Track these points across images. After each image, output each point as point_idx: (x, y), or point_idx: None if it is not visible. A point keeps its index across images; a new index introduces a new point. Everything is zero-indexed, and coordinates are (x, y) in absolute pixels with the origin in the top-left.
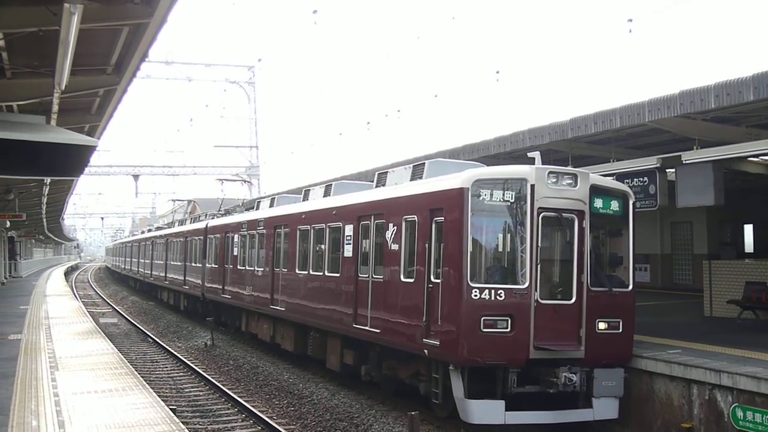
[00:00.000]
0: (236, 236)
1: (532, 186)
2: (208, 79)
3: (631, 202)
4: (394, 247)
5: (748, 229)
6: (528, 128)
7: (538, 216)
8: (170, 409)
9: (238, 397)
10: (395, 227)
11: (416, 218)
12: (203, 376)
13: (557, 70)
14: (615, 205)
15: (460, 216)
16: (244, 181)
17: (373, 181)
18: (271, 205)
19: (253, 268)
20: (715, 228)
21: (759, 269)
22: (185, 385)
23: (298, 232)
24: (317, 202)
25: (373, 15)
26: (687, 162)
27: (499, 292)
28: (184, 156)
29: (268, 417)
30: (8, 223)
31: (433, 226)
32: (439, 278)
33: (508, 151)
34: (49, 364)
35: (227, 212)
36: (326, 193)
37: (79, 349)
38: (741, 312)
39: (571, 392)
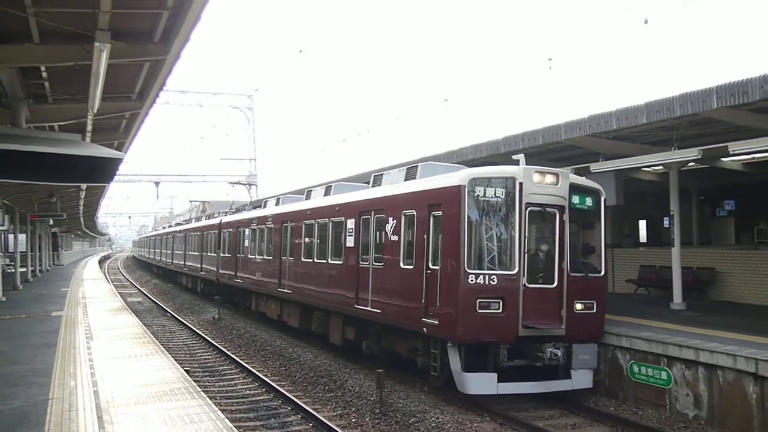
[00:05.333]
0: (247, 230)
1: (521, 184)
2: (215, 104)
3: (602, 199)
4: (394, 238)
5: (642, 224)
6: (471, 144)
7: (526, 210)
8: (185, 370)
9: (240, 359)
10: (395, 221)
11: (415, 213)
12: (212, 343)
13: (494, 97)
14: (589, 201)
15: (458, 210)
16: (250, 185)
17: (367, 183)
18: (277, 204)
19: (262, 257)
20: (617, 223)
21: (650, 255)
22: (197, 351)
23: (303, 226)
24: (320, 200)
25: (347, 52)
26: (594, 171)
27: (492, 277)
28: (196, 166)
29: (263, 375)
30: (51, 221)
31: (431, 219)
32: (437, 265)
33: (469, 159)
34: (85, 336)
35: (237, 210)
36: (326, 193)
37: (110, 322)
38: (636, 289)
39: (554, 365)
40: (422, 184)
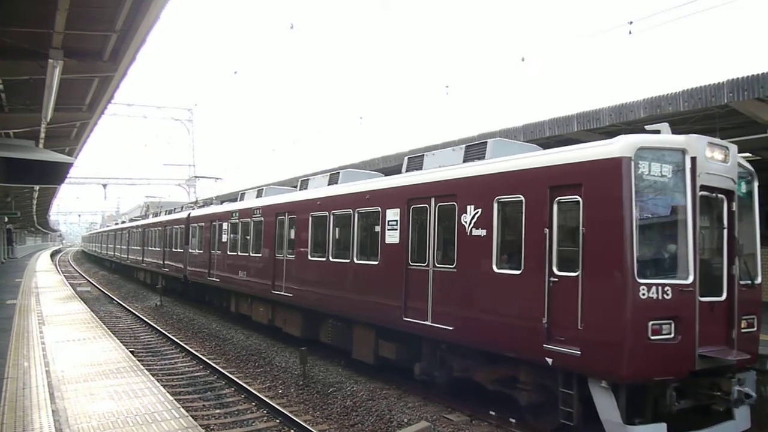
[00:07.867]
0: (225, 224)
1: (693, 159)
2: (158, 116)
3: (755, 184)
4: (478, 232)
5: None
6: (381, 156)
7: (698, 195)
8: (129, 351)
9: (179, 341)
10: (478, 210)
11: (523, 198)
12: (154, 327)
13: (401, 116)
14: (744, 187)
15: (619, 194)
16: (217, 179)
17: (380, 172)
18: (259, 196)
19: (246, 254)
20: None
21: None
22: (141, 334)
23: (310, 218)
24: (335, 188)
25: (277, 74)
26: None
27: (666, 289)
28: (141, 170)
29: (201, 354)
30: (6, 219)
31: (555, 207)
32: (572, 271)
33: (380, 168)
34: (37, 321)
35: (205, 204)
36: (332, 181)
37: (61, 309)
38: None
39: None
40: (538, 159)
